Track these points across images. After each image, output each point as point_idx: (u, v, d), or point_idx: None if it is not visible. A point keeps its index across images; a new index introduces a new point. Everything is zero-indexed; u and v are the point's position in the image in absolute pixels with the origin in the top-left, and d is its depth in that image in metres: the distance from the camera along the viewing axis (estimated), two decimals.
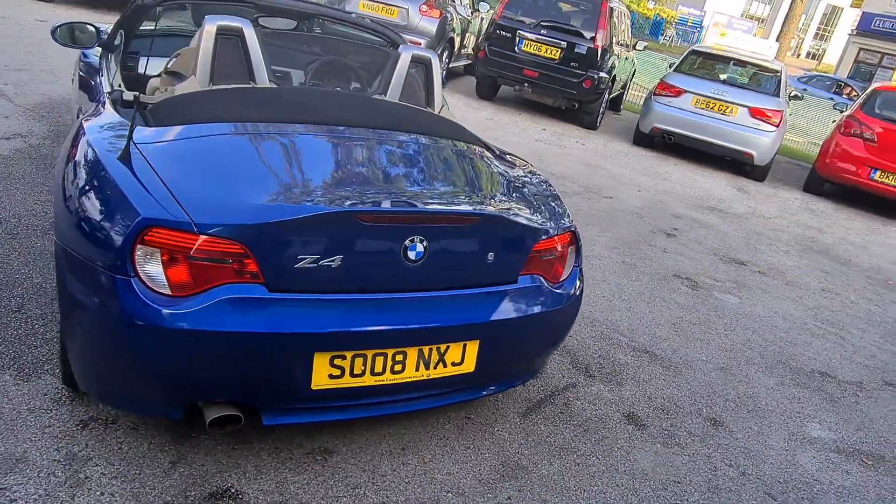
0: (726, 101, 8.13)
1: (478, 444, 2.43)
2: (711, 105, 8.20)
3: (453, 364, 2.08)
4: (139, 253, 1.69)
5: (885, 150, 7.67)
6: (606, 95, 9.12)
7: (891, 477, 2.79)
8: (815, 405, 3.24)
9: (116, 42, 3.09)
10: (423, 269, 1.92)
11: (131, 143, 1.89)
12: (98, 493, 1.88)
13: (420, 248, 1.88)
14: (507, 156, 2.78)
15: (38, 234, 3.19)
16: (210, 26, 2.39)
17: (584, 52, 8.46)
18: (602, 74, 8.61)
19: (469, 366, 2.12)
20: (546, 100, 9.18)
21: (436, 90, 2.86)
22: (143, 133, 2.04)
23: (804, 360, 3.71)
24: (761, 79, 8.84)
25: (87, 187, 1.89)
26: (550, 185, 2.66)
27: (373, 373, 1.95)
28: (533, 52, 8.67)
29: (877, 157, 7.71)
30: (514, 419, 2.61)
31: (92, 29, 3.07)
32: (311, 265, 1.78)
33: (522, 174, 2.60)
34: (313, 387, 1.88)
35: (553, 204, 2.44)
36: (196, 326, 1.70)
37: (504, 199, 2.26)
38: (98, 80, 2.72)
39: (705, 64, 9.16)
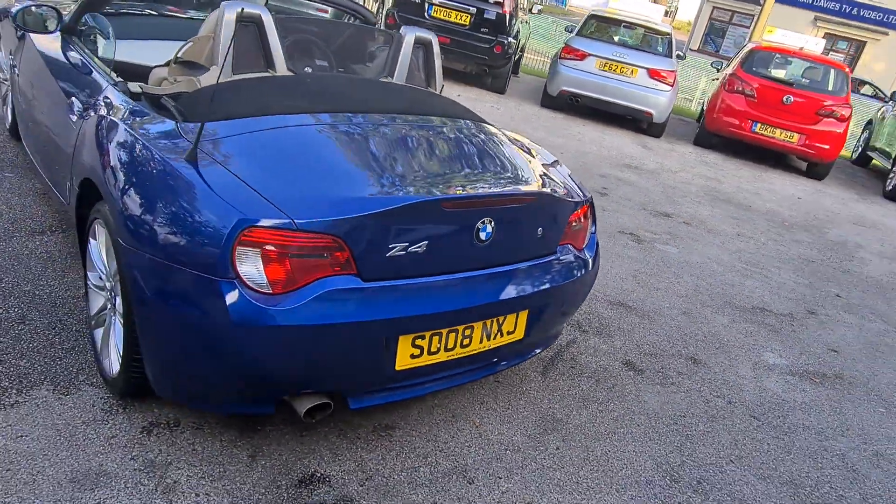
0: (627, 63, 8.66)
1: (514, 404, 2.62)
2: (614, 67, 8.71)
3: (508, 333, 2.24)
4: (238, 254, 1.69)
5: (764, 104, 8.55)
6: (513, 60, 9.40)
7: (834, 390, 3.32)
8: (764, 337, 3.73)
9: (82, 26, 2.87)
10: (489, 248, 2.05)
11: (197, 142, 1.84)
12: (193, 495, 1.89)
13: (489, 228, 2.01)
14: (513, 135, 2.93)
15: (4, 238, 2.94)
16: (229, 13, 2.30)
17: (494, 18, 8.64)
18: (511, 39, 8.85)
19: (519, 333, 2.29)
20: (457, 66, 9.31)
21: (437, 71, 2.92)
22: (191, 129, 1.98)
23: (743, 298, 4.22)
24: (655, 41, 9.46)
25: (157, 191, 1.82)
26: (556, 158, 2.85)
27: (446, 349, 2.07)
28: (443, 17, 8.73)
29: (757, 112, 8.59)
30: (536, 378, 2.82)
31: (54, 11, 2.82)
32: (401, 252, 1.86)
33: (537, 151, 2.76)
34: (397, 367, 1.98)
35: (569, 176, 2.62)
36: (299, 322, 1.73)
37: (543, 176, 2.41)
38: (83, 70, 2.54)
39: (601, 27, 9.65)
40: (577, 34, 9.29)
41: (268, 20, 2.39)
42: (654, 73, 8.66)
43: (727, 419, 2.85)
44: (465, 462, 2.26)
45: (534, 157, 2.65)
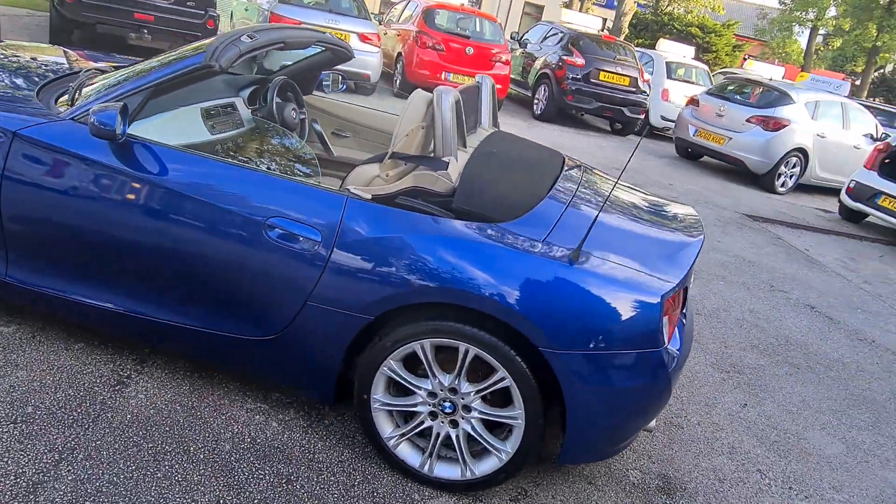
0: (341, 30, 8.97)
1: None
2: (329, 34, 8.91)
3: None
4: (663, 323, 2.09)
5: (451, 56, 9.98)
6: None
7: (780, 292, 4.93)
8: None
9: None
10: None
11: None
12: None
13: None
14: None
15: (93, 406, 2.29)
16: (448, 100, 2.28)
17: None
18: (217, 12, 8.22)
19: None
20: (164, 45, 8.22)
21: (496, 111, 3.20)
22: (526, 229, 2.13)
23: None
24: (349, 4, 9.85)
25: (571, 297, 2.00)
26: None
27: None
28: None
29: (446, 62, 9.97)
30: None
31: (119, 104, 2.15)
32: None
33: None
34: None
35: None
36: (681, 360, 2.24)
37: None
38: (247, 180, 2.17)
39: None
40: (280, 2, 9.08)
41: (461, 101, 2.44)
42: (364, 37, 9.19)
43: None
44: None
45: None
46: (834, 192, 10.27)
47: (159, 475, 2.06)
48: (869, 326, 4.81)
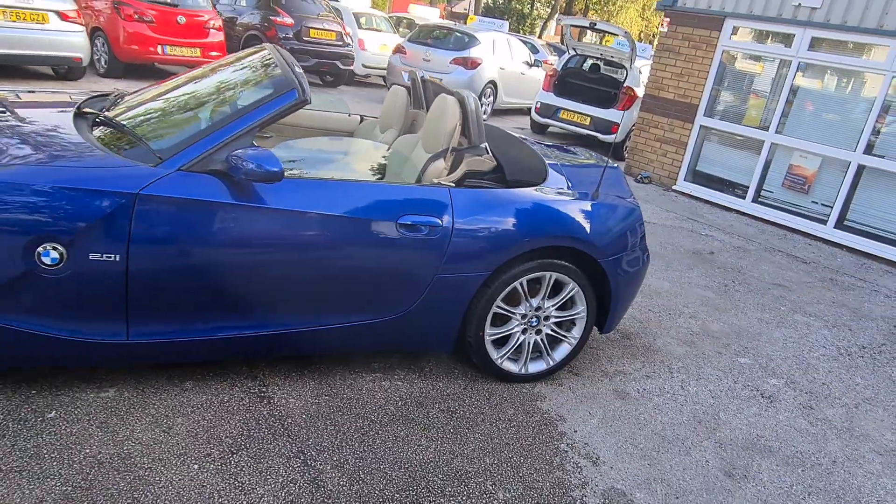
0: (36, 9, 7.71)
1: None
2: (21, 15, 7.61)
3: None
4: None
5: (164, 27, 9.35)
6: None
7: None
8: None
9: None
10: None
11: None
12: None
13: None
14: None
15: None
16: (474, 98, 2.94)
17: None
18: None
19: None
20: None
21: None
22: (556, 185, 3.03)
23: None
24: None
25: (617, 220, 3.03)
26: None
27: None
28: None
29: (161, 35, 9.34)
30: None
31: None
32: None
33: None
34: None
35: None
36: None
37: None
38: (372, 193, 2.61)
39: None
40: None
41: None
42: (64, 16, 8.05)
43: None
44: None
45: None
46: (514, 111, 12.82)
47: (390, 439, 2.53)
48: None
